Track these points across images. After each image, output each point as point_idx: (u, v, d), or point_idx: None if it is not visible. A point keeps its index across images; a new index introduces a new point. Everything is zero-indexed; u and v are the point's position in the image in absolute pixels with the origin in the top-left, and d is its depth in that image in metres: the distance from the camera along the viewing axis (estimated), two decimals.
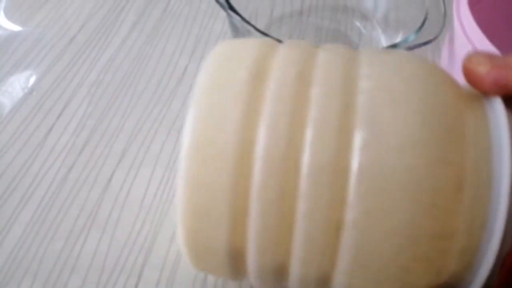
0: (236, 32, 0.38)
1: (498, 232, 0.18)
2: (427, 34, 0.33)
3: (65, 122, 0.35)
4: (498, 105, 0.20)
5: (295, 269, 0.19)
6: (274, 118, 0.19)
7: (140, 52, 0.40)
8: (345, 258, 0.18)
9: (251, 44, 0.22)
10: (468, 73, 0.22)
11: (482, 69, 0.21)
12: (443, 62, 0.37)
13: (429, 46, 0.33)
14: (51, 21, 0.42)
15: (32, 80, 0.38)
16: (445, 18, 0.34)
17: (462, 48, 0.33)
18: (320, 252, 0.19)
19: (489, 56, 0.21)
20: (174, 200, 0.32)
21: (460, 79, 0.34)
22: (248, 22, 0.34)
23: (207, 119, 0.19)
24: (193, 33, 0.42)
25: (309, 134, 0.18)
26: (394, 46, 0.33)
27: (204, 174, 0.19)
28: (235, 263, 0.20)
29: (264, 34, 0.34)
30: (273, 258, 0.19)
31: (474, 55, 0.22)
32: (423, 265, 0.18)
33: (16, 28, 0.41)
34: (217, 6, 0.34)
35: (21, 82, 0.37)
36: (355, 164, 0.18)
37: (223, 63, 0.21)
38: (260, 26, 0.42)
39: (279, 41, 0.23)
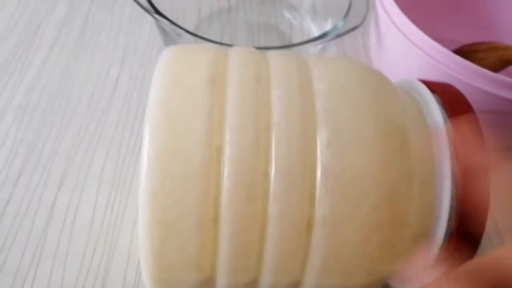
0: (166, 36, 0.37)
1: (445, 213, 0.19)
2: (354, 19, 0.34)
3: None
4: (428, 96, 0.22)
5: (268, 273, 0.19)
6: (239, 122, 0.19)
7: (65, 68, 0.38)
8: (316, 256, 0.19)
9: (201, 50, 0.21)
10: None
11: None
12: (372, 44, 0.38)
13: (358, 31, 0.34)
14: None
15: None
16: (368, 2, 0.35)
17: (387, 30, 0.34)
18: (293, 253, 0.19)
19: None
20: (124, 220, 0.30)
21: (388, 59, 0.35)
22: (176, 25, 0.33)
23: (167, 129, 0.18)
24: (120, 42, 0.40)
25: (274, 137, 0.19)
26: (324, 34, 0.33)
27: (169, 186, 0.18)
28: (204, 279, 0.20)
29: (195, 35, 0.33)
30: (245, 264, 0.19)
31: None
32: (387, 252, 0.19)
33: None
34: (142, 11, 0.33)
35: None
36: (321, 162, 0.18)
37: (176, 71, 0.20)
38: (189, 26, 0.41)
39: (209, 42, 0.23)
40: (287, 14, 0.42)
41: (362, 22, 0.33)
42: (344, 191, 0.18)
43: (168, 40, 0.37)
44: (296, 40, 0.41)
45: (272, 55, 0.22)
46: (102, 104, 0.36)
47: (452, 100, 0.22)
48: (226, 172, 0.18)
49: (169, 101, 0.19)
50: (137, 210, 0.31)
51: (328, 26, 0.37)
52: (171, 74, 0.20)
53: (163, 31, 0.36)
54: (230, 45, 0.32)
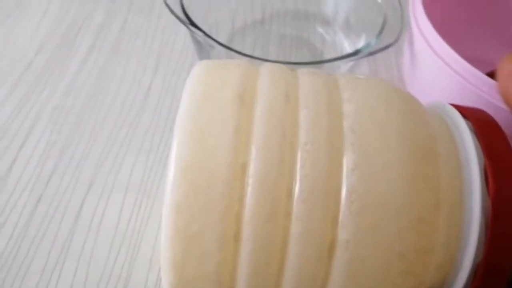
0: (199, 47, 0.37)
1: (473, 244, 0.19)
2: (388, 37, 0.34)
3: (28, 153, 0.34)
4: (461, 122, 0.21)
5: None
6: (265, 140, 0.19)
7: (101, 73, 0.39)
8: (337, 279, 0.19)
9: (233, 65, 0.22)
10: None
11: None
12: (405, 63, 0.38)
13: (391, 49, 0.34)
14: (4, 48, 0.40)
15: None
16: (403, 21, 0.34)
17: (421, 49, 0.34)
18: (313, 274, 0.19)
19: None
20: (149, 226, 0.31)
21: (421, 78, 0.35)
22: (210, 37, 0.33)
23: (194, 144, 0.19)
24: (154, 50, 0.41)
25: (300, 157, 0.18)
26: (357, 52, 0.33)
27: (194, 200, 0.18)
28: None
29: (227, 47, 0.33)
30: (264, 281, 0.19)
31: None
32: (410, 279, 0.18)
33: None
34: (177, 21, 0.33)
35: None
36: (346, 184, 0.18)
37: (206, 85, 0.20)
38: (223, 37, 0.41)
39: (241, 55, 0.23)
40: (320, 29, 0.42)
41: (396, 40, 0.33)
42: (368, 215, 0.18)
43: (201, 50, 0.37)
44: (328, 55, 0.40)
45: (302, 73, 0.22)
46: (134, 109, 0.37)
47: (484, 127, 0.21)
48: (249, 189, 0.18)
49: (197, 115, 0.19)
50: (161, 217, 0.31)
51: (361, 43, 0.37)
52: (201, 88, 0.20)
53: (196, 41, 0.36)
54: (261, 59, 0.32)
